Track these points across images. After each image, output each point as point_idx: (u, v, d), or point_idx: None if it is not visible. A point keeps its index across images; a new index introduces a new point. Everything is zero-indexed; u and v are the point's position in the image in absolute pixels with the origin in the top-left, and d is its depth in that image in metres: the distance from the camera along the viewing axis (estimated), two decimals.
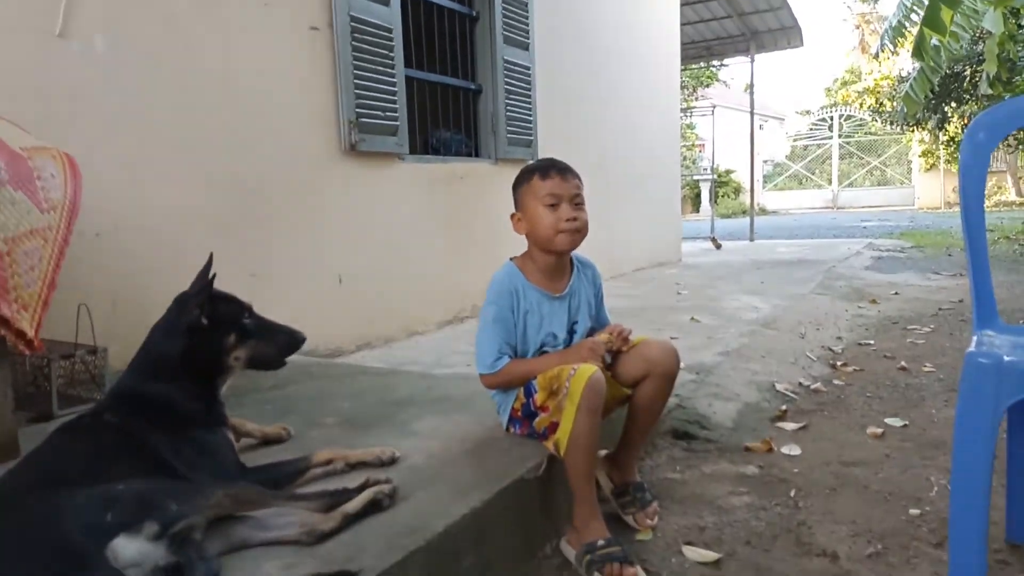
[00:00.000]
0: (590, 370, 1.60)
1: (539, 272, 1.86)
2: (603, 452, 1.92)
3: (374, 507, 1.41)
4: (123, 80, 2.66)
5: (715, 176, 14.42)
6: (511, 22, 4.79)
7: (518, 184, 1.87)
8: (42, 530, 1.13)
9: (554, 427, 1.66)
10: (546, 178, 1.80)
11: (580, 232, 1.81)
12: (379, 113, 3.72)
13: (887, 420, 2.59)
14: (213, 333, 1.56)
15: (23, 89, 2.38)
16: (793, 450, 2.31)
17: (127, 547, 1.12)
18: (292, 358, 1.72)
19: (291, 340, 1.68)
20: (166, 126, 2.81)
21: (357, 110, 3.58)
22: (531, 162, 1.96)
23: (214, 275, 1.56)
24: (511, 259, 1.90)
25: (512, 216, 1.88)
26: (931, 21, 6.05)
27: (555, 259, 1.85)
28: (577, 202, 1.81)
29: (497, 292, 1.81)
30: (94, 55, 2.57)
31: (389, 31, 3.76)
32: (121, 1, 2.65)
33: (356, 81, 3.57)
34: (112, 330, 2.38)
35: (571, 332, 1.88)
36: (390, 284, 3.88)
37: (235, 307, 1.63)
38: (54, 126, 2.38)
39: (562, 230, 1.77)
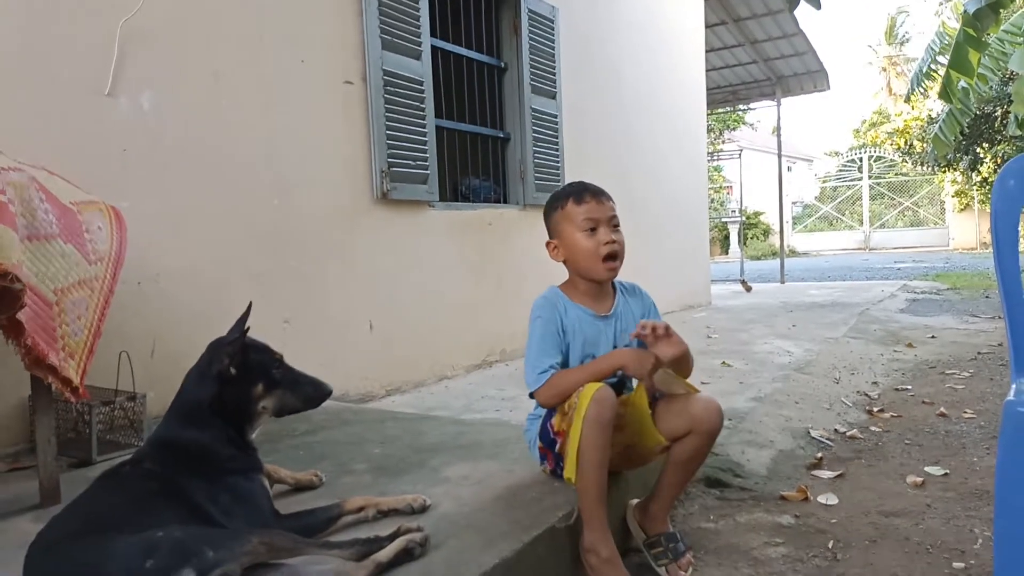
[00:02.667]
0: (597, 385, 1.60)
1: (582, 295, 1.84)
2: (634, 501, 1.90)
3: (406, 556, 1.41)
4: (167, 135, 2.78)
5: (743, 219, 14.37)
6: (538, 72, 4.91)
7: (550, 211, 1.85)
8: None
9: None
10: (581, 202, 1.79)
11: (619, 257, 1.80)
12: (410, 162, 3.81)
13: (927, 468, 2.52)
14: (242, 381, 1.60)
15: (75, 145, 2.50)
16: (830, 499, 2.25)
17: None
18: (324, 403, 1.74)
19: (317, 392, 1.70)
20: (207, 178, 2.91)
21: (389, 160, 3.67)
22: (559, 187, 1.95)
23: (248, 327, 1.61)
24: (553, 286, 1.89)
25: (548, 244, 1.87)
26: (958, 64, 6.07)
27: (597, 286, 1.84)
28: (614, 224, 1.80)
29: (540, 306, 1.79)
30: (141, 112, 2.69)
31: (420, 83, 3.88)
32: (167, 61, 2.79)
33: (388, 132, 3.67)
34: (151, 376, 2.44)
35: None
36: (420, 329, 3.92)
37: (265, 357, 1.66)
38: (102, 180, 2.48)
39: (603, 255, 1.76)
